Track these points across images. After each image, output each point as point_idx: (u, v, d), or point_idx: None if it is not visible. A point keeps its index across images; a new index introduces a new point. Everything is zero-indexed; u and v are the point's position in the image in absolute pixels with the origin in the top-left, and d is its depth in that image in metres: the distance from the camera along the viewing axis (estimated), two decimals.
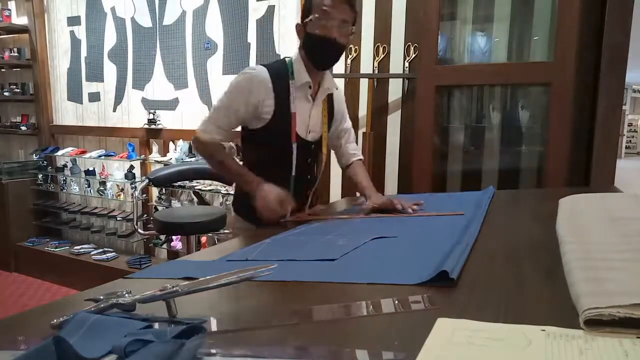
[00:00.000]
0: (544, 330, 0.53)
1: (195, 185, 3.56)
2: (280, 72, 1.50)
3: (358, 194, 1.82)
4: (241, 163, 1.64)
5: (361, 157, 1.78)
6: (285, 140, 1.52)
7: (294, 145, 1.53)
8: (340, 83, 2.70)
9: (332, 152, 1.82)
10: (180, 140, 3.67)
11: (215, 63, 3.52)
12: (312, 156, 1.62)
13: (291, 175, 1.54)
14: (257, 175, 1.48)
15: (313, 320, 0.64)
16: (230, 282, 0.63)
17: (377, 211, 1.50)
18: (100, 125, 4.22)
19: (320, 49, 1.47)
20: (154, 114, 3.76)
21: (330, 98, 1.64)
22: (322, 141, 1.64)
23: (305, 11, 1.46)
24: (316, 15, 1.42)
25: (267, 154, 1.54)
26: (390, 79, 2.81)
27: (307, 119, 1.56)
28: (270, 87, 1.47)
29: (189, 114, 3.71)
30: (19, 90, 4.67)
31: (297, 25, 1.50)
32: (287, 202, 1.43)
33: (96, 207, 4.31)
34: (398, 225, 1.25)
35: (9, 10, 4.55)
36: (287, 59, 1.55)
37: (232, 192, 3.32)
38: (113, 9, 3.98)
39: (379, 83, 2.83)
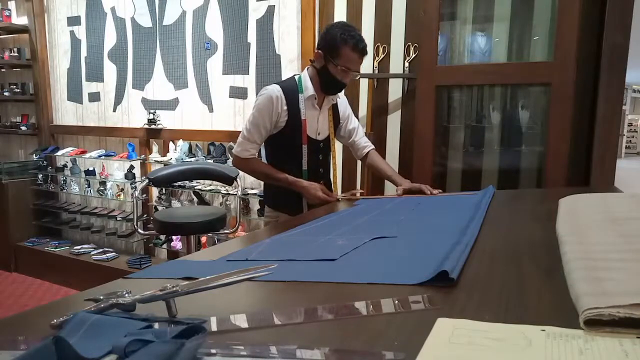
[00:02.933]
0: (544, 330, 0.53)
1: (195, 185, 3.57)
2: (291, 87, 1.83)
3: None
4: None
5: (373, 146, 2.09)
6: (298, 141, 1.85)
7: (304, 147, 1.86)
8: None
9: (342, 151, 2.02)
10: (180, 140, 3.67)
11: (215, 63, 3.52)
12: (322, 153, 1.95)
13: (302, 169, 1.87)
14: (278, 170, 1.83)
15: (313, 320, 0.64)
16: (230, 282, 0.63)
17: (409, 192, 1.81)
18: (100, 125, 4.22)
19: (332, 85, 1.84)
20: (154, 114, 3.76)
21: (334, 105, 1.98)
22: (329, 140, 1.96)
23: (329, 45, 1.76)
24: (342, 68, 1.76)
25: (284, 153, 1.89)
26: (390, 79, 2.81)
27: (315, 123, 1.89)
28: (284, 101, 1.79)
29: (189, 114, 3.71)
30: (19, 90, 4.67)
31: (317, 53, 1.81)
32: (326, 190, 1.82)
33: (96, 207, 4.31)
34: (398, 225, 1.25)
35: (9, 10, 4.55)
36: (296, 77, 1.88)
37: (232, 192, 3.33)
38: (113, 9, 3.98)
39: (379, 83, 2.83)
